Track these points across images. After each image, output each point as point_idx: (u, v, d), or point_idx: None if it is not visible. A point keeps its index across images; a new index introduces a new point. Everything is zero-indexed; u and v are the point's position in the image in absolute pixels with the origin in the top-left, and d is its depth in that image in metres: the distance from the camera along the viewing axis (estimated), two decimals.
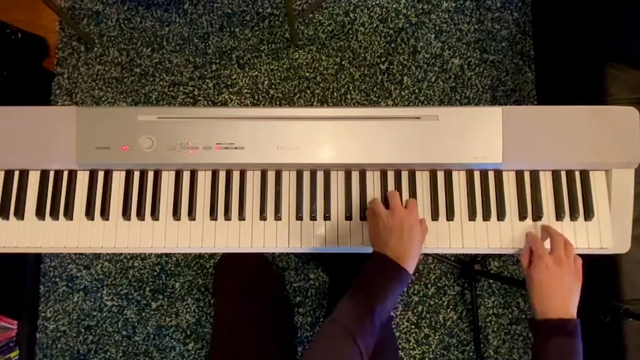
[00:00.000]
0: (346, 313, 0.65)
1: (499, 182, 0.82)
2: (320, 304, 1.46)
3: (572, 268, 0.73)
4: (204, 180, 0.82)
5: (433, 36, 1.58)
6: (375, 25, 1.58)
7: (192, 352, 1.46)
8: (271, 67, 1.56)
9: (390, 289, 0.67)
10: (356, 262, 1.03)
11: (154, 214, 0.81)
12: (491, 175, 0.82)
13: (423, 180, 0.82)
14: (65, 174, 0.82)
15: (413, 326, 1.46)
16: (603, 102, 1.16)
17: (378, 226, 0.73)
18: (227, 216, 0.81)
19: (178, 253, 1.48)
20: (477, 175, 0.82)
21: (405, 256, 0.68)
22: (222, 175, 0.82)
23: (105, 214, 0.81)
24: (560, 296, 0.70)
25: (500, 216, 0.81)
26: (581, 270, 0.75)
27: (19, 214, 0.81)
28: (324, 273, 1.46)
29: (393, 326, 1.44)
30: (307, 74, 1.56)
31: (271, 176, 0.82)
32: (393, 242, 0.70)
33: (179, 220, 0.81)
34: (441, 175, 0.82)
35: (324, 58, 1.57)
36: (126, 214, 0.81)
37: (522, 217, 0.81)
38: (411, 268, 0.69)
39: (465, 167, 0.82)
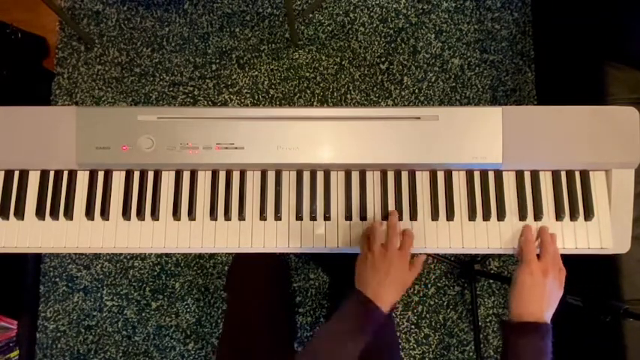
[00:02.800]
0: (318, 346, 0.70)
1: (499, 182, 0.82)
2: (320, 304, 1.46)
3: (556, 278, 0.74)
4: (204, 180, 0.82)
5: (433, 36, 1.58)
6: (375, 25, 1.58)
7: (192, 352, 1.46)
8: (271, 67, 1.56)
9: (363, 326, 0.69)
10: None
11: (154, 214, 0.81)
12: (491, 175, 0.82)
13: (423, 180, 0.82)
14: (65, 174, 0.82)
15: (413, 326, 1.46)
16: (603, 102, 1.16)
17: (366, 263, 0.74)
18: (227, 216, 0.81)
19: (178, 253, 1.48)
20: (476, 175, 0.82)
21: (381, 297, 0.70)
22: (222, 175, 0.82)
23: (105, 214, 0.81)
24: (539, 303, 0.71)
25: (500, 216, 0.81)
26: (563, 282, 0.76)
27: (19, 214, 0.81)
28: (324, 273, 1.46)
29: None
30: (307, 74, 1.56)
31: (271, 176, 0.82)
32: (374, 283, 0.71)
33: (179, 220, 0.81)
34: (441, 175, 0.82)
35: (324, 58, 1.57)
36: (126, 214, 0.81)
37: (522, 217, 0.81)
38: (385, 308, 0.71)
39: (465, 167, 0.81)
